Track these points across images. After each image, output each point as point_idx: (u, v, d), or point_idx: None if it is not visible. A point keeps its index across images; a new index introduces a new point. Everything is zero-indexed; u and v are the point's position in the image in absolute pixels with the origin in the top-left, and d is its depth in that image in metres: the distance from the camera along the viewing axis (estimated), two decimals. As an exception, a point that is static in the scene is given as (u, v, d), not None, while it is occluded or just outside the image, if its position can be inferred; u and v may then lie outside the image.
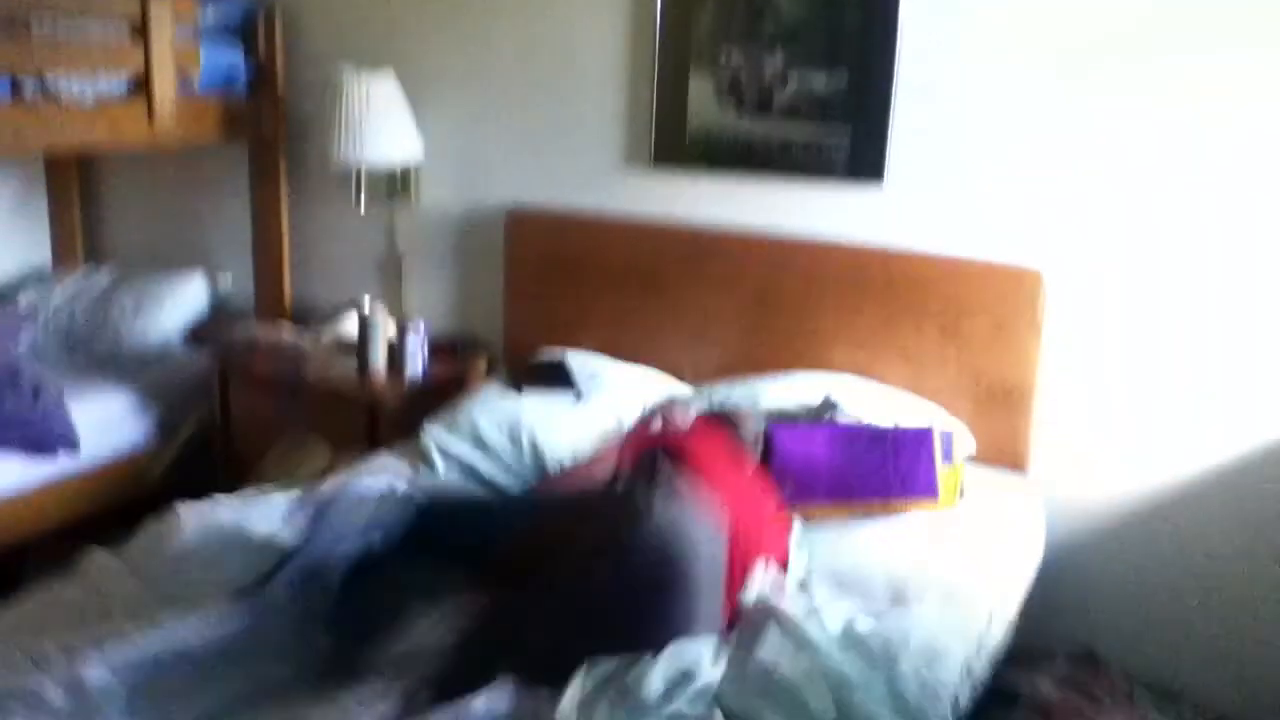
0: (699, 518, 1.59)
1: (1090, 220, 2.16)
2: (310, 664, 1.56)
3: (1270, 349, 2.06)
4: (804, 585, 1.78)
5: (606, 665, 1.46)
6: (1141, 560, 2.23)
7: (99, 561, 1.78)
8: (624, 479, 1.77)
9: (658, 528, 1.54)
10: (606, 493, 1.79)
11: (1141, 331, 2.16)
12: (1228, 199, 2.04)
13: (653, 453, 1.76)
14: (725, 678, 1.48)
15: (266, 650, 1.56)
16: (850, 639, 1.59)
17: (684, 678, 1.44)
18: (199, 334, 3.22)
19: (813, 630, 1.56)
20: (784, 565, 1.80)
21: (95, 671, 1.43)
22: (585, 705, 1.40)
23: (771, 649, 1.52)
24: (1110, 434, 2.23)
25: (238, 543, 1.82)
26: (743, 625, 1.59)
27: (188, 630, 1.54)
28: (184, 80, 2.77)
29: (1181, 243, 2.10)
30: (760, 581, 1.68)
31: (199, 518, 1.88)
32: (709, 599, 1.55)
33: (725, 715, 1.43)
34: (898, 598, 1.78)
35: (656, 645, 1.47)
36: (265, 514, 1.91)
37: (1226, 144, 2.03)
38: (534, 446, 2.21)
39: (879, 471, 1.92)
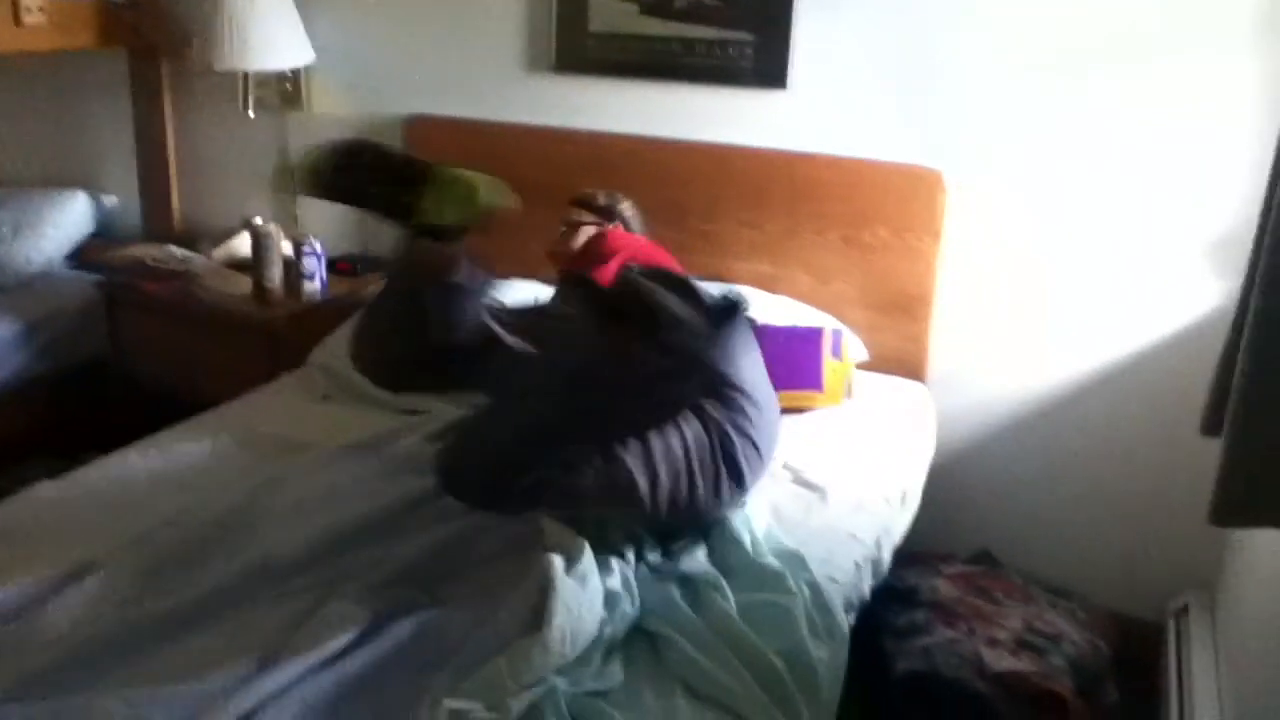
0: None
1: (988, 126, 2.15)
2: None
3: (1154, 252, 2.08)
4: None
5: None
6: (1031, 463, 2.28)
7: None
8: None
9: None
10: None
11: (1031, 237, 2.18)
12: (1123, 105, 2.05)
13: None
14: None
15: None
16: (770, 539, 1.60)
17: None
18: (83, 257, 3.06)
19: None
20: None
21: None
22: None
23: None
24: (1000, 340, 2.26)
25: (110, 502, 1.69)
26: None
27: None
28: (53, -23, 2.58)
29: (1074, 150, 2.10)
30: None
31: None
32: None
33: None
34: (796, 492, 1.79)
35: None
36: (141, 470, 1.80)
37: (1126, 49, 2.02)
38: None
39: (767, 361, 1.92)
